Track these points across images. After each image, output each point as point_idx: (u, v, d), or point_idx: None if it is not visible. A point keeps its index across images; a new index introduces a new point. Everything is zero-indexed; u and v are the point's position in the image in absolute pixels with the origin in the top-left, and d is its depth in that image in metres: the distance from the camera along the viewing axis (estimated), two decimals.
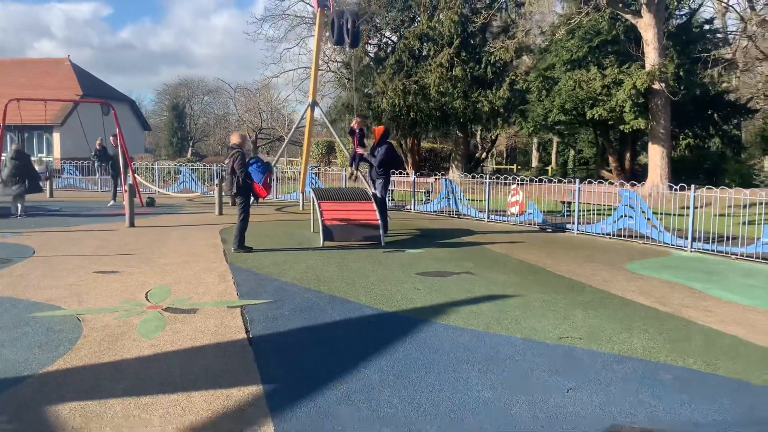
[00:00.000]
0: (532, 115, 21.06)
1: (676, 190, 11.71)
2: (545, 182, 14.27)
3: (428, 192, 17.42)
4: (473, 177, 15.15)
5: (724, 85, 27.74)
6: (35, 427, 3.59)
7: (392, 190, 17.99)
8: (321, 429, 3.63)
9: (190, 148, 49.72)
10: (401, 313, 6.19)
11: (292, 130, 17.06)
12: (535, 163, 44.18)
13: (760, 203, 10.94)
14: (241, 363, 4.71)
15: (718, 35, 22.76)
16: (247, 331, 5.49)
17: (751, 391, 4.34)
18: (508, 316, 6.12)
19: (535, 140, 43.27)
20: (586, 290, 7.45)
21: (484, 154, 30.46)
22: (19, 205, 13.85)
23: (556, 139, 37.33)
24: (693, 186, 10.59)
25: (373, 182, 11.90)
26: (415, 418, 3.80)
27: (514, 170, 32.98)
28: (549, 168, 31.33)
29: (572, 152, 37.40)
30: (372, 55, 25.44)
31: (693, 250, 10.33)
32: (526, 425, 3.73)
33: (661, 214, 12.44)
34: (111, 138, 16.96)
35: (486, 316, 6.10)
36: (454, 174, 23.95)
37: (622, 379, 4.50)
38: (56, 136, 32.89)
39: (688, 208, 11.68)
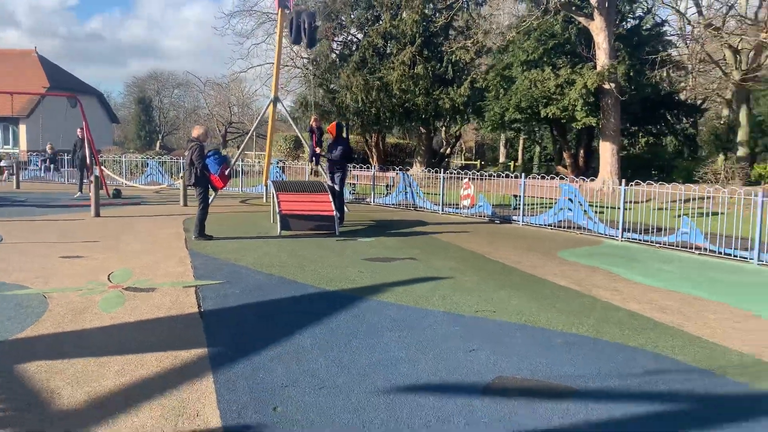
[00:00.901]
0: (490, 114, 21.89)
1: (612, 186, 12.59)
2: (494, 177, 15.08)
3: (388, 186, 18.14)
4: (436, 171, 15.84)
5: (681, 85, 28.97)
6: (7, 379, 4.19)
7: (355, 184, 18.68)
8: (254, 379, 4.30)
9: (158, 141, 49.63)
10: (341, 292, 6.88)
11: (254, 125, 17.58)
12: (502, 159, 45.21)
13: (681, 200, 11.86)
14: (191, 332, 5.34)
15: (667, 38, 23.83)
16: (199, 307, 6.12)
17: (624, 351, 5.12)
18: (437, 294, 6.85)
19: (502, 137, 44.34)
20: (515, 274, 8.22)
21: (449, 150, 31.24)
22: None
23: (522, 136, 38.41)
24: (623, 181, 11.46)
25: (332, 176, 12.58)
26: (335, 371, 4.49)
27: (478, 166, 33.82)
28: (511, 164, 32.22)
29: (538, 149, 38.52)
30: (337, 52, 26.05)
31: (623, 239, 11.22)
32: (426, 376, 4.45)
33: (608, 207, 13.32)
34: (78, 130, 17.31)
35: (417, 294, 6.82)
36: (417, 169, 24.67)
37: (519, 343, 5.25)
38: (22, 128, 32.84)
39: (634, 202, 12.61)
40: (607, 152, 20.41)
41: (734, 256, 9.53)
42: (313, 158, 14.17)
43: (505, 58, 22.06)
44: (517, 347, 5.13)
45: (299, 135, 17.69)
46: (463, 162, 45.46)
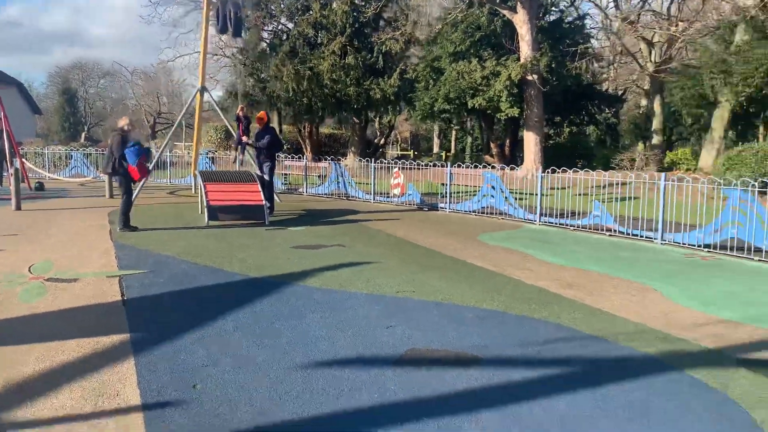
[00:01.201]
0: (420, 104, 22.33)
1: (534, 174, 13.17)
2: (423, 167, 15.47)
3: (321, 176, 18.29)
4: (368, 161, 16.10)
5: (603, 76, 30.27)
6: None
7: (287, 174, 18.74)
8: (175, 360, 4.44)
9: (83, 133, 47.91)
10: (268, 279, 7.04)
11: (181, 115, 17.32)
12: (436, 149, 46.02)
13: (595, 185, 12.56)
14: (114, 319, 5.41)
15: (587, 30, 24.87)
16: (122, 295, 6.16)
17: (529, 323, 5.52)
18: (361, 278, 7.11)
19: (435, 128, 45.13)
20: (437, 257, 8.58)
21: (383, 140, 31.58)
22: None
23: (454, 128, 39.24)
24: (539, 168, 12.02)
25: (261, 165, 12.65)
26: (255, 351, 4.68)
27: (412, 156, 34.33)
28: (443, 154, 32.87)
29: (470, 139, 39.44)
30: (267, 41, 25.89)
31: (541, 223, 11.80)
32: (344, 352, 4.70)
33: (530, 194, 13.89)
34: None
35: (342, 278, 7.06)
36: (351, 159, 24.88)
37: (434, 319, 5.58)
38: None
39: (554, 188, 13.23)
40: (531, 142, 21.19)
41: (641, 236, 10.22)
42: (239, 146, 14.27)
43: (435, 50, 22.52)
44: (432, 323, 5.45)
45: (228, 125, 17.60)
46: (399, 152, 46.03)
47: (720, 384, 4.19)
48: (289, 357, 4.56)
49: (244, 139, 13.74)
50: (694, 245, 9.38)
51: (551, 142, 25.63)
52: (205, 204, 11.22)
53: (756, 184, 8.76)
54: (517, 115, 20.69)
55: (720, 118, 19.76)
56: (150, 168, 10.52)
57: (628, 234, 10.41)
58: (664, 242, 9.79)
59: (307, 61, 23.18)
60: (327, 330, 5.19)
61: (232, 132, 16.62)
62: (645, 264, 8.39)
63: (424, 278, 7.18)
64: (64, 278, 6.78)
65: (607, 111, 26.43)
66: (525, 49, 20.35)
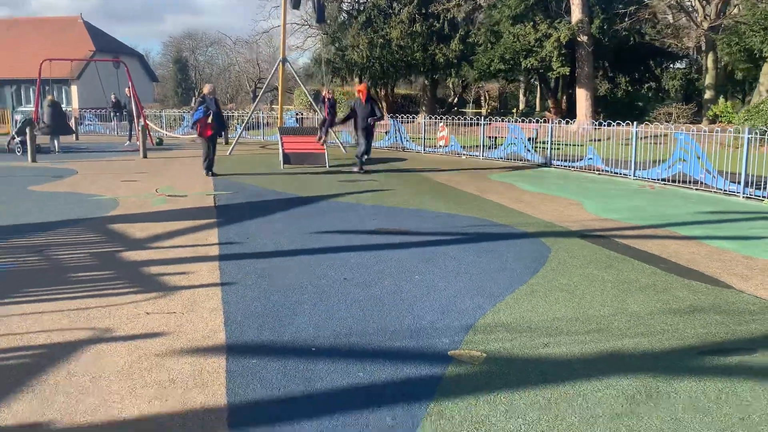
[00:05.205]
0: (478, 65, 24.63)
1: (585, 127, 15.50)
2: (467, 122, 18.06)
3: (387, 132, 21.22)
4: (439, 118, 18.89)
5: (658, 34, 30.93)
6: (105, 231, 7.64)
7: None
8: (240, 230, 7.66)
9: (194, 98, 53.26)
10: (310, 197, 10.18)
11: (266, 83, 20.76)
12: (521, 106, 47.69)
13: (637, 138, 14.69)
14: (207, 213, 8.73)
15: None
16: (214, 203, 9.52)
17: (469, 219, 8.30)
18: (375, 197, 10.10)
19: (522, 86, 46.72)
20: (442, 187, 11.40)
21: (456, 99, 33.97)
22: (56, 143, 17.90)
23: (539, 85, 40.87)
24: (549, 120, 14.36)
25: (365, 133, 13.57)
26: (285, 227, 7.81)
27: (483, 113, 36.47)
28: (514, 110, 34.84)
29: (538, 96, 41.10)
30: (346, 13, 28.88)
31: (551, 166, 14.23)
32: (342, 228, 7.73)
33: (576, 145, 15.99)
34: (125, 89, 20.83)
35: (360, 198, 10.09)
36: (422, 117, 27.61)
37: (406, 217, 8.49)
38: (74, 89, 36.74)
39: (598, 140, 15.49)
40: (582, 98, 23.07)
41: (620, 173, 12.51)
42: (323, 126, 15.75)
43: (494, 14, 24.61)
44: (403, 219, 8.38)
45: (306, 92, 20.82)
46: (478, 110, 47.98)
47: (551, 242, 6.88)
48: (304, 230, 7.67)
49: (339, 125, 15.71)
50: (655, 179, 11.62)
51: (608, 97, 27.09)
52: (280, 152, 14.53)
53: (731, 130, 10.86)
54: (567, 74, 22.59)
55: (766, 73, 20.77)
56: (211, 127, 12.38)
57: (613, 173, 12.70)
58: (635, 178, 12.06)
59: (380, 30, 25.98)
60: (336, 221, 8.25)
61: (312, 102, 19.74)
62: (595, 191, 10.82)
63: (419, 199, 10.06)
64: (178, 194, 10.25)
65: (662, 67, 27.41)
66: (576, 12, 22.11)
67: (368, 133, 13.66)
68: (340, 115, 16.35)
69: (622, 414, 3.15)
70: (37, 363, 3.75)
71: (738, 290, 5.22)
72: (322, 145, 15.08)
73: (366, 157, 13.71)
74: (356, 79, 27.33)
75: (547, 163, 14.39)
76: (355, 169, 13.49)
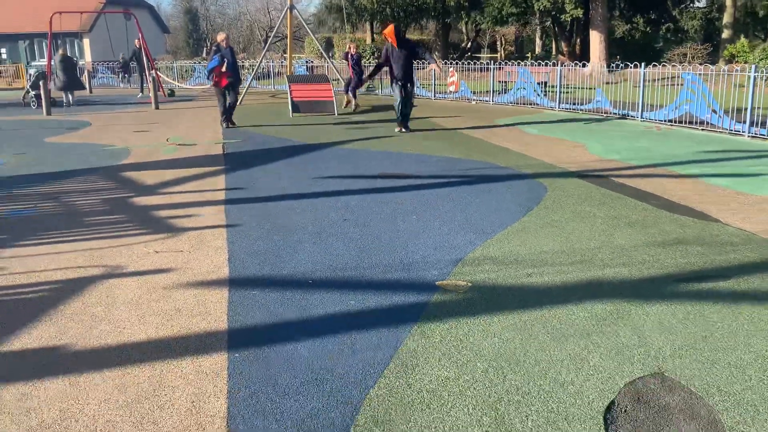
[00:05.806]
0: (489, 9, 24.21)
1: (599, 70, 15.36)
2: (478, 66, 17.94)
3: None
4: (449, 63, 18.77)
5: None
6: (118, 178, 7.91)
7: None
8: (246, 175, 7.89)
9: (205, 48, 52.97)
10: (316, 144, 10.35)
11: (273, 31, 20.63)
12: (537, 51, 46.86)
13: (651, 79, 14.56)
14: (216, 161, 8.96)
15: None
16: (223, 151, 9.74)
17: (470, 162, 8.45)
18: (381, 142, 10.25)
19: (538, 30, 45.79)
20: (449, 132, 11.49)
21: (469, 44, 33.46)
22: (70, 97, 18.13)
23: (554, 28, 40.03)
24: (559, 63, 14.24)
25: (404, 83, 11.55)
26: (290, 173, 8.02)
27: (499, 58, 35.96)
28: (529, 54, 34.28)
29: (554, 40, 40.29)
30: None
31: (559, 109, 14.19)
32: (347, 173, 7.93)
33: (588, 88, 15.87)
34: (135, 41, 20.87)
35: (367, 144, 10.24)
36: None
37: (410, 161, 8.65)
38: (86, 42, 36.74)
39: (607, 83, 15.38)
40: (596, 40, 22.70)
41: (628, 116, 12.48)
42: (349, 88, 15.41)
43: None
44: (407, 163, 8.54)
45: (315, 40, 20.70)
46: (504, 55, 47.24)
47: (549, 183, 7.03)
48: (308, 175, 7.88)
49: (364, 79, 14.84)
50: (662, 120, 11.60)
51: (626, 39, 26.56)
52: (289, 100, 14.63)
53: (738, 69, 10.79)
54: (581, 16, 22.17)
55: None
56: (226, 77, 12.14)
57: (617, 114, 12.67)
58: (643, 119, 12.04)
59: None
60: (339, 165, 8.44)
61: (321, 50, 19.68)
62: (600, 133, 10.86)
63: (426, 144, 10.19)
64: (188, 143, 10.48)
65: (681, 6, 26.66)
66: None
67: (406, 83, 11.45)
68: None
69: (591, 333, 3.39)
70: (55, 296, 4.06)
71: (724, 224, 5.37)
72: (354, 109, 14.56)
73: (406, 114, 11.69)
74: (366, 24, 27.02)
75: (555, 107, 14.35)
76: (397, 129, 11.60)
